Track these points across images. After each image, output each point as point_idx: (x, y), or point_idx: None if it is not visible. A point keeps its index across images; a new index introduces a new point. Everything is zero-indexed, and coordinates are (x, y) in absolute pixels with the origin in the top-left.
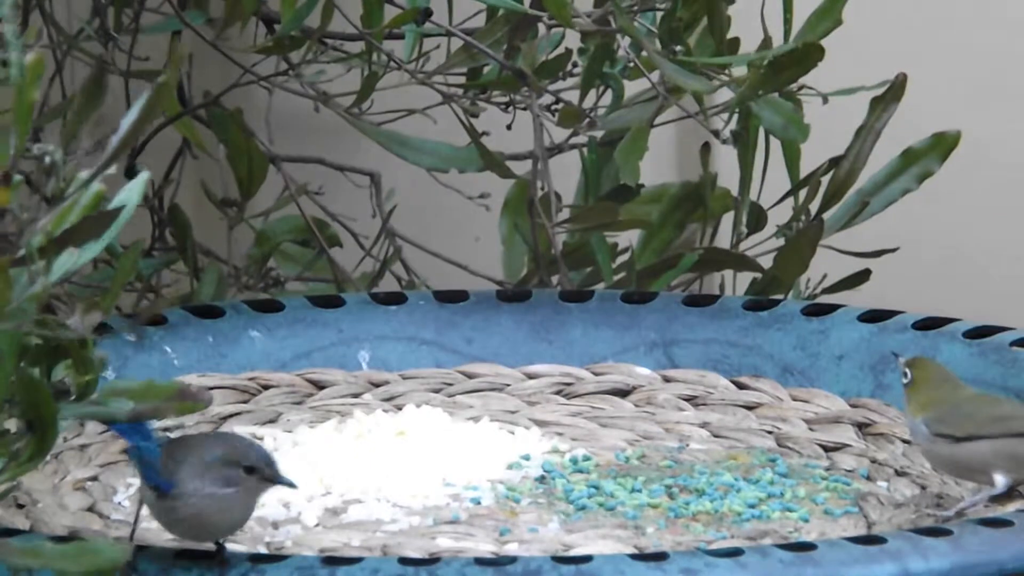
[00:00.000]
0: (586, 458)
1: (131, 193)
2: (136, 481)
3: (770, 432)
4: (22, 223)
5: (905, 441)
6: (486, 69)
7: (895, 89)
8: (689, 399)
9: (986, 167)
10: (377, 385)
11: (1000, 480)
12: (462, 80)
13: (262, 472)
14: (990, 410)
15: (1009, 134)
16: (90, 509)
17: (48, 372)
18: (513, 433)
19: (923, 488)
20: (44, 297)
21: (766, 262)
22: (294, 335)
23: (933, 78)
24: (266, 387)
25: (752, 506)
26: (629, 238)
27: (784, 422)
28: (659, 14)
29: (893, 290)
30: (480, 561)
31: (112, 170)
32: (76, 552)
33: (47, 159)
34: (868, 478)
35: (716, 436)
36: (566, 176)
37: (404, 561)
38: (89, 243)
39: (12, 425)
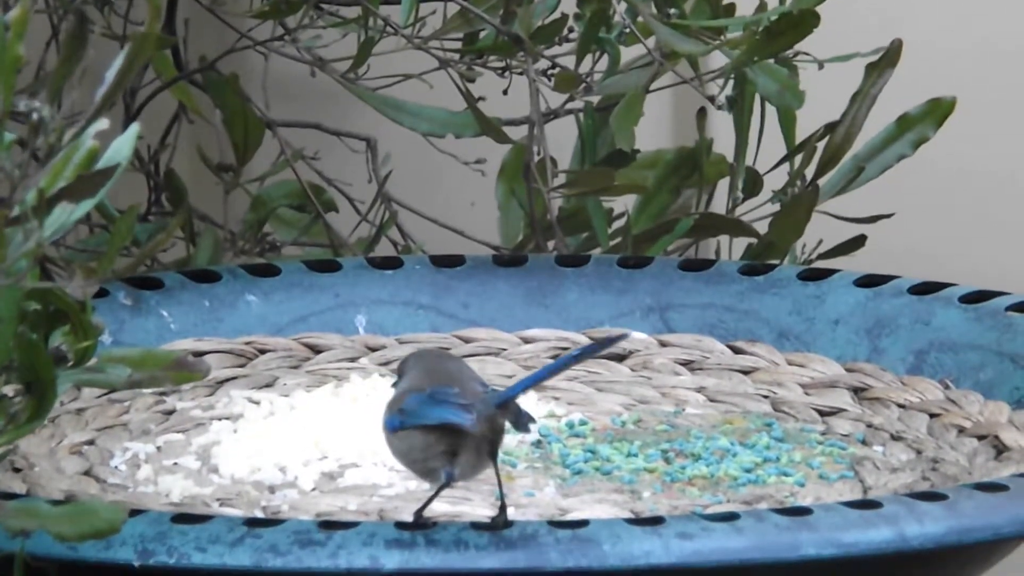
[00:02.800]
0: (582, 422)
1: (122, 148)
2: (133, 445)
3: (766, 396)
4: (15, 180)
5: (901, 406)
6: (482, 34)
7: (890, 55)
8: (685, 363)
9: (981, 134)
10: (374, 349)
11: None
12: (458, 45)
13: None
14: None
15: (1004, 101)
16: (87, 473)
17: (46, 338)
18: None
19: (919, 453)
20: (39, 253)
21: (762, 227)
22: (290, 299)
23: (928, 44)
24: (263, 351)
25: (748, 470)
26: (625, 203)
27: (780, 386)
28: None
29: (888, 255)
30: (476, 525)
31: (104, 125)
32: (73, 513)
33: (35, 115)
34: (864, 442)
35: (712, 400)
36: (562, 141)
37: (401, 525)
38: (85, 200)
39: (10, 391)
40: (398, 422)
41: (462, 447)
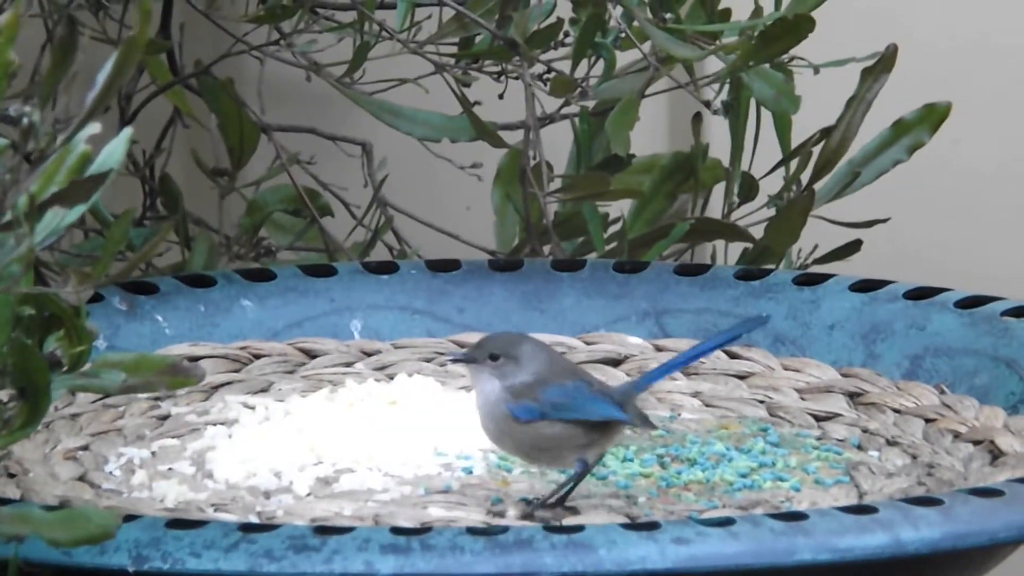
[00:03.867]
0: None
1: (114, 152)
2: (127, 450)
3: (761, 401)
4: (6, 185)
5: (896, 411)
6: (478, 39)
7: (886, 60)
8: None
9: (976, 138)
10: (369, 354)
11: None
12: (454, 50)
13: None
14: None
15: (1000, 106)
16: (81, 478)
17: (40, 343)
18: None
19: (914, 458)
20: (30, 259)
21: (757, 232)
22: (286, 304)
23: (924, 49)
24: (258, 356)
25: (744, 476)
26: (621, 208)
27: (775, 391)
28: None
29: (883, 260)
30: (472, 530)
31: (96, 129)
32: (68, 519)
33: (25, 120)
34: (859, 447)
35: (708, 405)
36: (558, 146)
37: (396, 531)
38: (77, 205)
39: (4, 396)
40: (537, 413)
41: (599, 440)
